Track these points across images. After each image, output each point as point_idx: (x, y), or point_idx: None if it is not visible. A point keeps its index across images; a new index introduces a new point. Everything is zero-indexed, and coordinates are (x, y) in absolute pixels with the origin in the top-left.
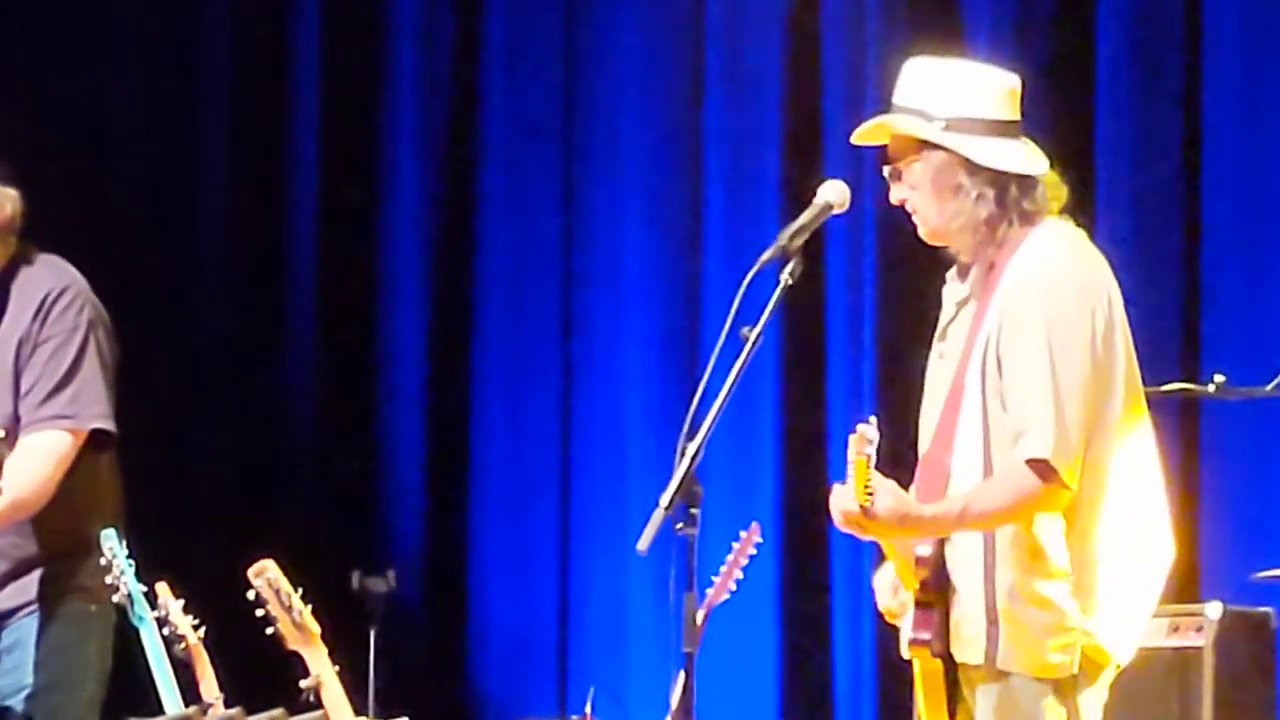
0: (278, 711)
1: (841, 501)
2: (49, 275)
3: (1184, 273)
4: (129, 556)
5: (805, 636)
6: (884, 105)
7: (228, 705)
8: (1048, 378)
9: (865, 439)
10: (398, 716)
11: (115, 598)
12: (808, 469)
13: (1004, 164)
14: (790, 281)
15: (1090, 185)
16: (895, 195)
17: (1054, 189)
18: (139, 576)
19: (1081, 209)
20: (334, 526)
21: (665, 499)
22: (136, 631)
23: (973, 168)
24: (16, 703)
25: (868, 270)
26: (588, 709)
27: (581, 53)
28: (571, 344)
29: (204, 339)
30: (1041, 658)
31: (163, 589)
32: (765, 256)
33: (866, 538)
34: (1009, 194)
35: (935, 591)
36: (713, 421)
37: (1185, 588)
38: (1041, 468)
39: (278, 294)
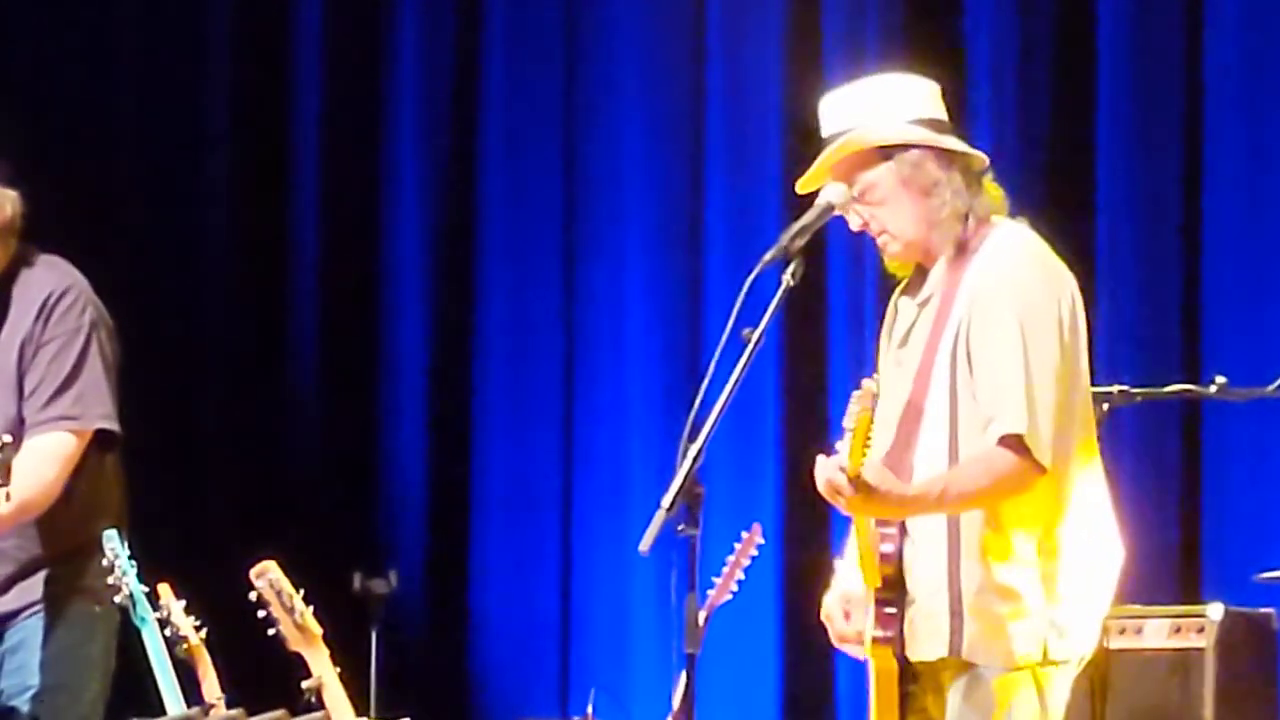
0: (279, 712)
1: (827, 470)
2: (50, 276)
3: (1184, 273)
4: (131, 557)
5: (806, 638)
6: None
7: (229, 706)
8: (1020, 362)
9: (870, 393)
10: (400, 717)
11: (117, 598)
12: (809, 470)
13: (971, 152)
14: (792, 283)
15: (1090, 185)
16: (855, 222)
17: (994, 189)
18: (141, 577)
19: (1081, 209)
20: (335, 527)
21: (667, 500)
22: (138, 632)
23: (944, 160)
24: (21, 703)
25: (869, 271)
26: (589, 710)
27: (582, 54)
28: (573, 345)
29: (204, 339)
30: (1008, 646)
31: (165, 590)
32: (767, 258)
33: (846, 511)
34: (975, 185)
35: (897, 590)
36: (714, 423)
37: (1187, 589)
38: (1014, 442)
39: (279, 295)
